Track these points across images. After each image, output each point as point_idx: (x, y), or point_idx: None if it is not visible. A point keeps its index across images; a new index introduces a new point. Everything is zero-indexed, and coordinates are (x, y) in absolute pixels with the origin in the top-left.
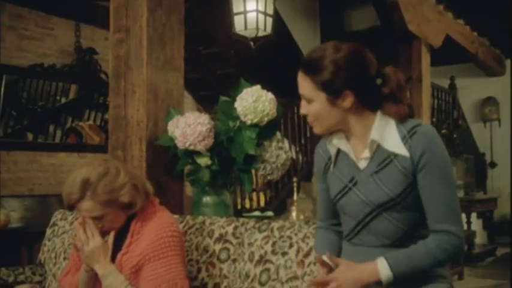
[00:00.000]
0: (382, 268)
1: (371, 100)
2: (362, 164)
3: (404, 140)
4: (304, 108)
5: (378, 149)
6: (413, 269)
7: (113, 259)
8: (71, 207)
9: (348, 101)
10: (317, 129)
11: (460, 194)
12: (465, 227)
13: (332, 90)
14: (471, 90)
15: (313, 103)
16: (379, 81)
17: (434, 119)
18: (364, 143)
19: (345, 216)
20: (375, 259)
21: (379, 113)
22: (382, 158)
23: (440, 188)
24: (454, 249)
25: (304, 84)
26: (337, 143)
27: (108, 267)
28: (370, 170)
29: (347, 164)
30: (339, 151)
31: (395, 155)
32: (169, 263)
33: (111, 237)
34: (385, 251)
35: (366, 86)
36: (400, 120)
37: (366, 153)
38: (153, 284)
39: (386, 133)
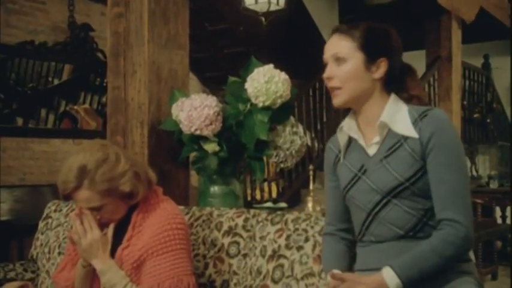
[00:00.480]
0: (389, 277)
1: (394, 80)
2: (372, 150)
3: (415, 123)
4: (332, 71)
5: (388, 134)
6: (421, 272)
7: (112, 254)
8: (67, 197)
9: (382, 70)
10: (338, 99)
11: (494, 185)
12: (499, 221)
13: (371, 52)
14: (507, 70)
15: (347, 63)
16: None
17: (465, 102)
18: (375, 129)
19: (355, 209)
20: (390, 256)
21: (392, 96)
22: (392, 143)
23: (447, 173)
24: (460, 241)
25: (342, 43)
26: (348, 129)
27: (108, 262)
28: (380, 156)
29: (357, 153)
30: (349, 142)
31: (406, 138)
32: (173, 258)
33: (110, 230)
34: (399, 244)
35: (397, 63)
36: (412, 102)
37: (376, 138)
38: (156, 280)
39: (398, 117)
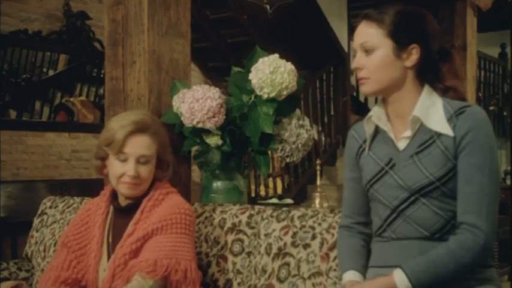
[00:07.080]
0: (399, 279)
1: (429, 68)
2: (402, 144)
3: (450, 119)
4: (360, 61)
5: (420, 129)
6: (435, 277)
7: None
8: (128, 135)
9: (414, 57)
10: (366, 87)
11: (508, 181)
12: None
13: (400, 38)
14: None
15: (376, 52)
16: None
17: (480, 94)
18: (406, 122)
19: (377, 205)
20: (412, 254)
21: (426, 88)
22: (425, 139)
23: (477, 174)
24: (479, 248)
25: (369, 31)
26: (377, 119)
27: None
28: (410, 151)
29: (385, 145)
30: (376, 133)
31: (439, 135)
32: (176, 240)
33: None
34: (422, 243)
35: (431, 49)
36: (448, 94)
37: (407, 133)
38: (154, 255)
39: (432, 112)
